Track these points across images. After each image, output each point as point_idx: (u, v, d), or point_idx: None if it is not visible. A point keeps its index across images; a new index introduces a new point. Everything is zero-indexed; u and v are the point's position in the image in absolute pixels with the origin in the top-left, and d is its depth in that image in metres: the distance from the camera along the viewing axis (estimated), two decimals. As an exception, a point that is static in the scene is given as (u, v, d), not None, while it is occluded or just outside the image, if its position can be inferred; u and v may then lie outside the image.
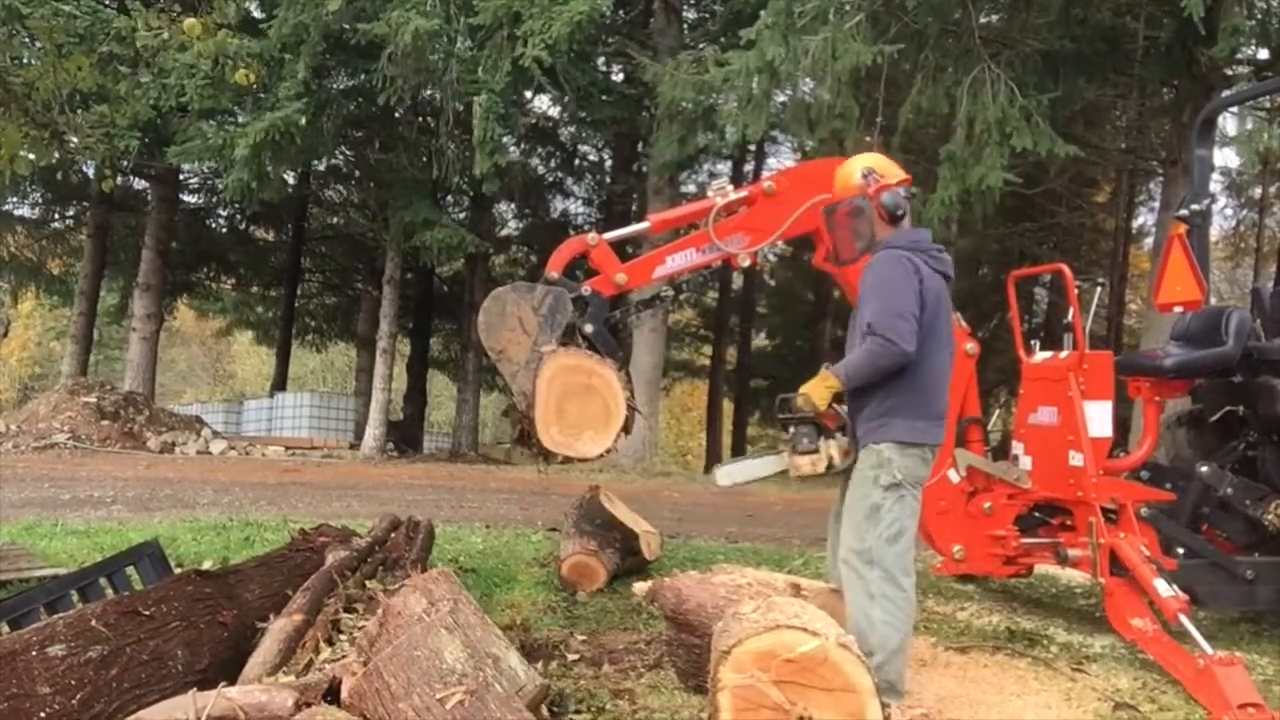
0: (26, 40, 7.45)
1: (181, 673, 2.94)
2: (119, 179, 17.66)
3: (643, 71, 13.31)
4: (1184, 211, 5.57)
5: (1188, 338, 5.41)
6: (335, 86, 15.00)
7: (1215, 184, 17.78)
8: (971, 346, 4.91)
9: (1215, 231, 20.75)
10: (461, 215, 19.24)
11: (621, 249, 4.60)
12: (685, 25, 17.02)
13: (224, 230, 22.56)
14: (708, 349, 25.54)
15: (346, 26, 13.16)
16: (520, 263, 23.79)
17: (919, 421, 3.65)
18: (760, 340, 27.00)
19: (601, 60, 16.27)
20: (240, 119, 14.49)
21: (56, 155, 6.91)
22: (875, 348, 3.57)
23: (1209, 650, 3.87)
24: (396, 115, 15.17)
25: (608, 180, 21.56)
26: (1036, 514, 5.15)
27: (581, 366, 4.10)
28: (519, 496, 10.38)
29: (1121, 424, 7.02)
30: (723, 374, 24.07)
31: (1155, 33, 11.79)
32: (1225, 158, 23.14)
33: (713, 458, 22.37)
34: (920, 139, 12.70)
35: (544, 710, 3.12)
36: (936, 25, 10.44)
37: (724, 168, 21.43)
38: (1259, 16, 10.57)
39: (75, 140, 6.46)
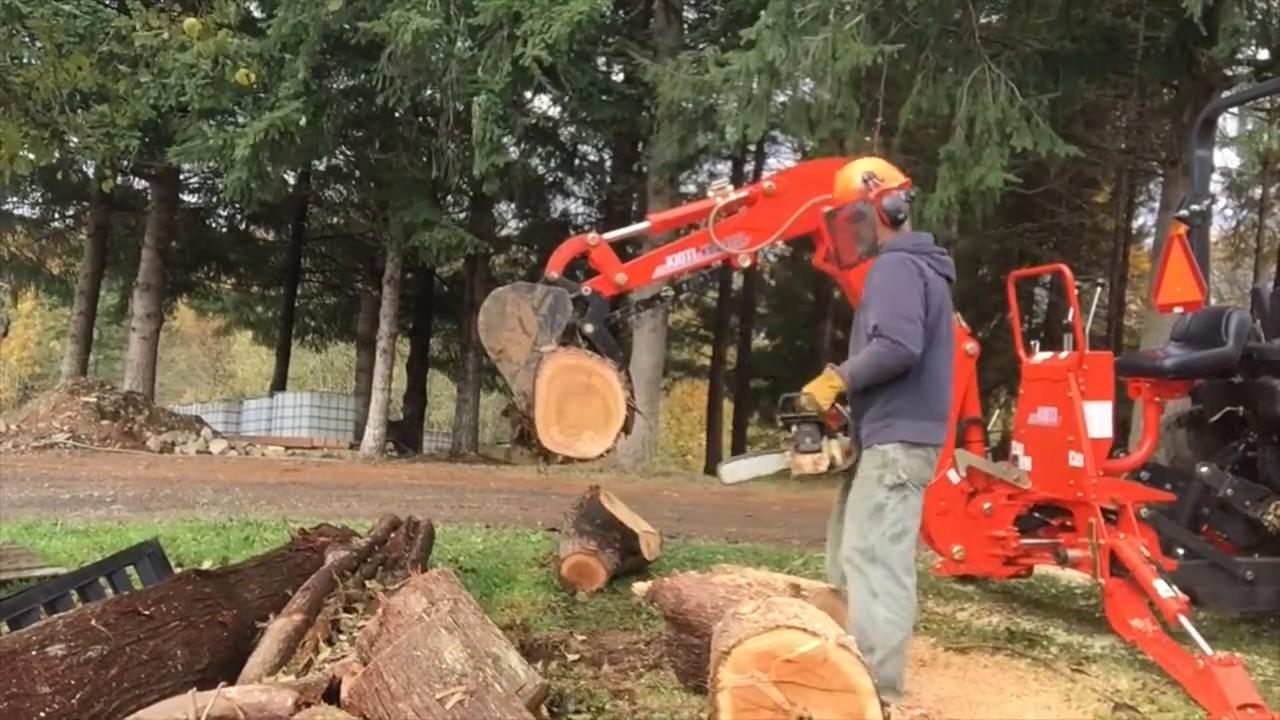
0: (26, 40, 7.44)
1: (181, 673, 2.94)
2: (119, 179, 17.65)
3: (643, 72, 13.31)
4: (1184, 212, 5.57)
5: (1188, 338, 5.41)
6: (335, 86, 15.00)
7: (1215, 184, 17.77)
8: (971, 346, 4.91)
9: (1215, 232, 20.76)
10: (461, 215, 19.24)
11: (621, 249, 4.60)
12: (685, 25, 17.01)
13: (224, 230, 22.56)
14: (708, 349, 25.54)
15: (346, 26, 13.16)
16: (520, 263, 23.78)
17: (923, 422, 3.67)
18: (760, 340, 27.00)
19: (601, 60, 16.27)
20: (240, 119, 14.49)
21: (56, 155, 6.90)
22: (881, 350, 3.60)
23: (1209, 651, 3.87)
24: (396, 115, 15.16)
25: (608, 180, 21.56)
26: (1036, 514, 5.15)
27: (581, 366, 4.10)
28: (519, 496, 10.38)
29: (1121, 424, 7.03)
30: (723, 374, 24.07)
31: (1155, 33, 11.79)
32: (1225, 158, 23.18)
33: (713, 458, 22.36)
34: (920, 139, 12.71)
35: (544, 710, 3.12)
36: (936, 25, 10.45)
37: (724, 168, 21.43)
38: (1259, 17, 10.57)
39: (75, 140, 6.45)
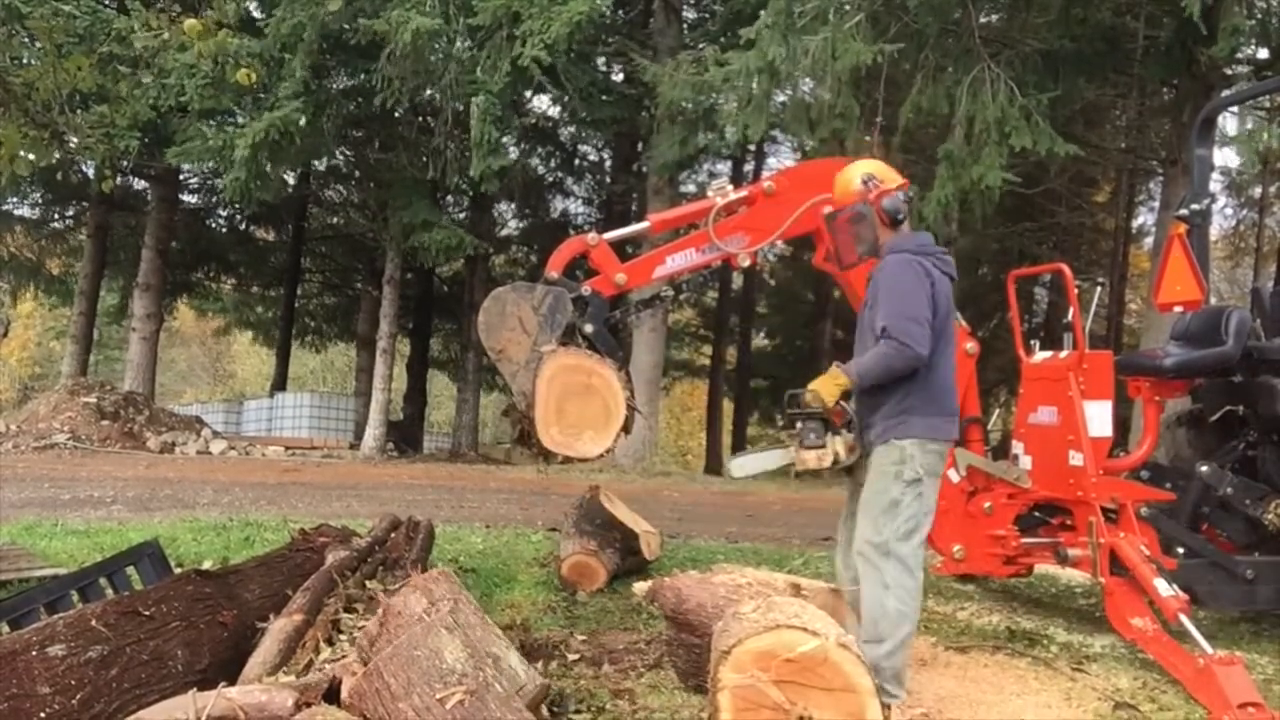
0: (26, 40, 7.44)
1: (181, 673, 2.94)
2: (119, 179, 17.67)
3: (643, 72, 13.31)
4: (1184, 211, 5.57)
5: (1188, 337, 5.41)
6: (334, 86, 15.00)
7: (1215, 184, 17.81)
8: (971, 346, 4.91)
9: (1215, 231, 20.76)
10: (461, 215, 19.24)
11: (621, 249, 4.60)
12: (685, 25, 17.02)
13: (224, 230, 22.56)
14: (708, 349, 25.54)
15: (346, 26, 13.16)
16: (520, 263, 23.78)
17: (934, 419, 3.73)
18: (760, 340, 27.00)
19: (601, 60, 16.26)
20: (240, 119, 14.48)
21: (56, 155, 6.91)
22: (889, 351, 3.64)
23: (1209, 650, 3.87)
24: (396, 115, 15.16)
25: (608, 180, 21.56)
26: (1036, 514, 5.15)
27: (581, 366, 4.10)
28: (519, 496, 10.38)
29: (1121, 424, 7.02)
30: (723, 374, 24.07)
31: (1155, 32, 11.79)
32: (1225, 157, 23.18)
33: (713, 458, 22.38)
34: (920, 139, 12.71)
35: (544, 710, 3.12)
36: (936, 25, 10.45)
37: (724, 168, 21.43)
38: (1259, 16, 10.56)
39: (75, 140, 6.46)
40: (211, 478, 10.87)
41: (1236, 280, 25.33)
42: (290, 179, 17.60)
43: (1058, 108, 11.25)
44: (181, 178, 19.78)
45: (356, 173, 19.14)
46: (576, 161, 21.98)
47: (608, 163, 21.72)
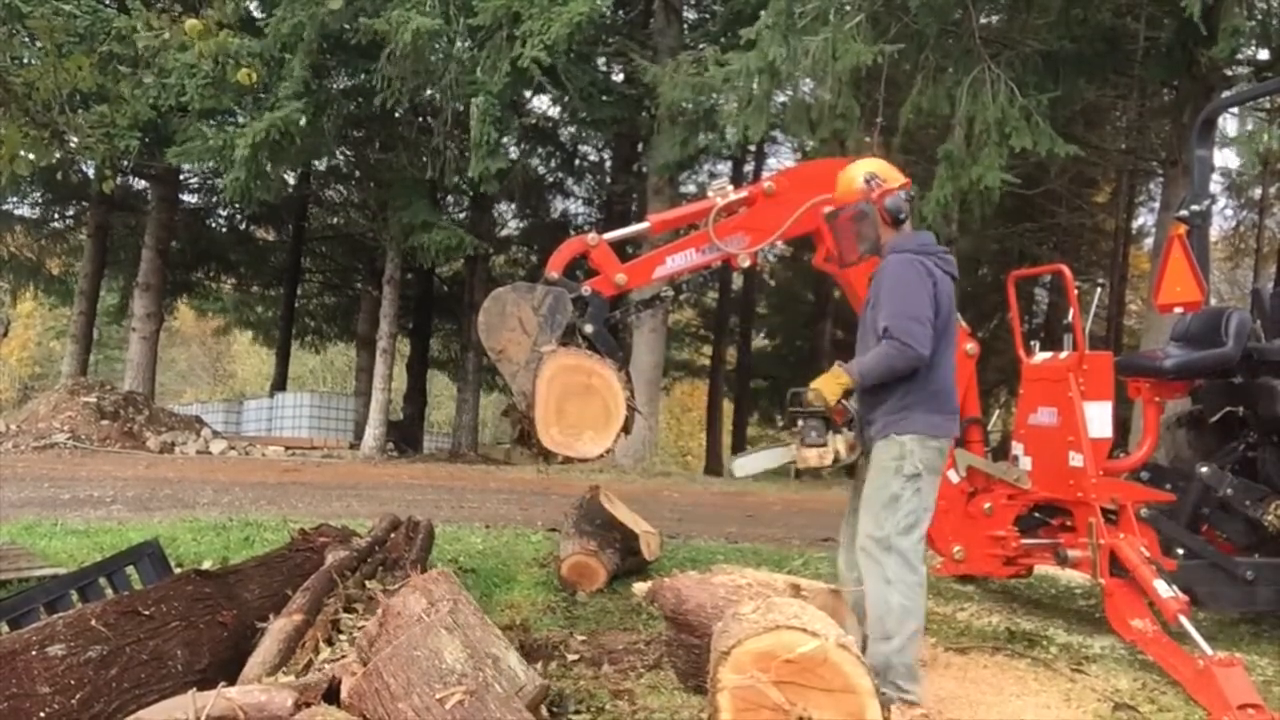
0: (26, 40, 7.44)
1: (181, 673, 2.94)
2: (119, 179, 17.66)
3: (643, 72, 13.32)
4: (1184, 212, 5.57)
5: (1188, 338, 5.41)
6: (334, 86, 15.01)
7: (1215, 184, 17.78)
8: (971, 346, 4.90)
9: (1215, 232, 20.76)
10: (461, 215, 19.25)
11: (621, 249, 4.60)
12: (685, 25, 17.02)
13: (224, 230, 22.57)
14: (708, 349, 25.54)
15: (346, 26, 13.16)
16: (520, 263, 23.78)
17: (934, 416, 3.75)
18: (760, 340, 26.99)
19: (601, 60, 16.27)
20: (240, 119, 14.49)
21: (56, 155, 6.90)
22: (891, 350, 3.66)
23: (1209, 651, 3.87)
24: (396, 115, 15.16)
25: (608, 180, 21.56)
26: (1036, 514, 5.15)
27: (581, 366, 4.10)
28: (519, 496, 10.38)
29: (1121, 424, 7.02)
30: (723, 374, 24.07)
31: (1155, 33, 11.79)
32: (1225, 158, 23.17)
33: (713, 458, 22.38)
34: (921, 139, 12.71)
35: (544, 710, 3.12)
36: (936, 25, 10.45)
37: (724, 168, 21.44)
38: (1259, 17, 10.57)
39: (75, 140, 6.45)
40: (211, 478, 10.86)
41: (1236, 281, 25.33)
42: (290, 179, 17.60)
43: (1058, 108, 11.26)
44: (181, 178, 19.78)
45: (356, 173, 19.15)
46: (576, 161, 21.98)
47: (608, 163, 21.72)
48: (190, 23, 5.48)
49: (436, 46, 12.92)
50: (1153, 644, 4.27)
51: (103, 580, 4.04)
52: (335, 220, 23.43)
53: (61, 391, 16.30)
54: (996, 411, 10.48)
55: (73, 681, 2.65)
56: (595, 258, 4.41)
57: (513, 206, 22.42)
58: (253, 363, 37.15)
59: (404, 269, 17.77)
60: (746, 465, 4.34)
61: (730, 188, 4.59)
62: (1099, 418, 4.85)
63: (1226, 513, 5.11)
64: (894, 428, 3.73)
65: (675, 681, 3.81)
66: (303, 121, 12.85)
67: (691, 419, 34.20)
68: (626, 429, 4.11)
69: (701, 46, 13.43)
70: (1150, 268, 16.69)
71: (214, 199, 20.83)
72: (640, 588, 4.02)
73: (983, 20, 11.29)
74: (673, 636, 3.77)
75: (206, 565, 5.30)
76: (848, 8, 10.01)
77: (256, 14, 14.36)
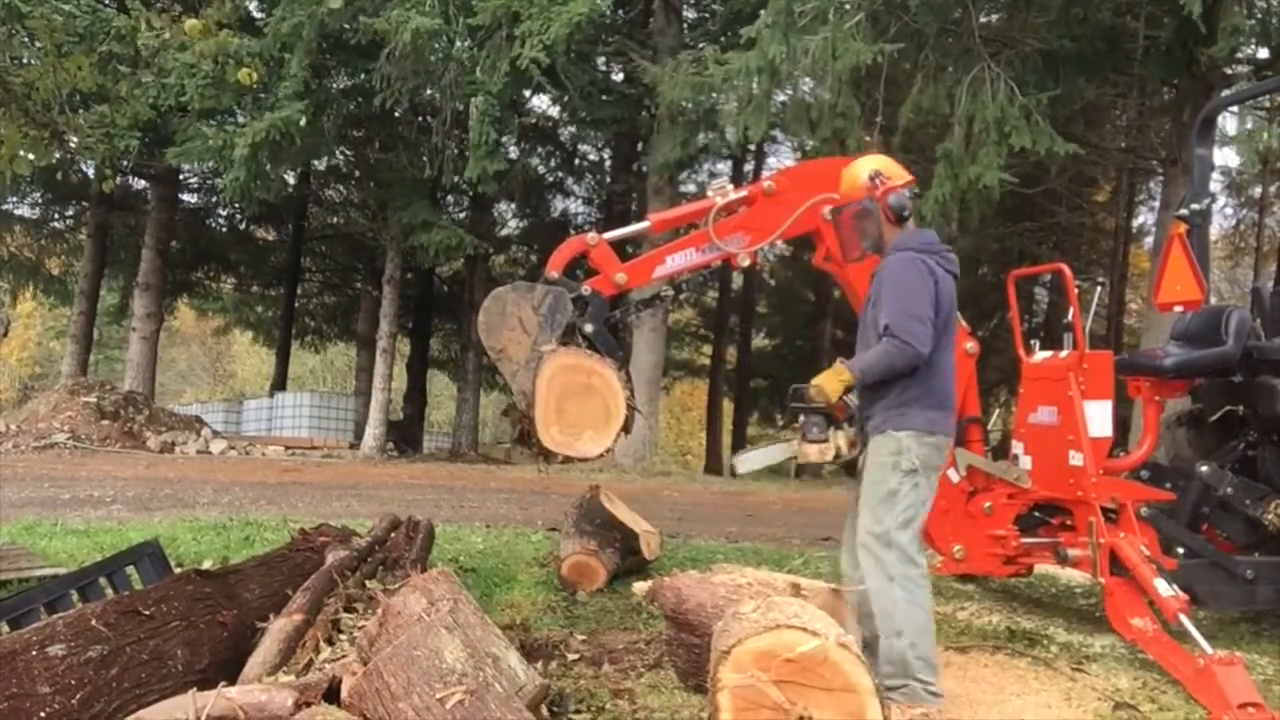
0: (26, 40, 7.44)
1: (181, 672, 2.94)
2: (119, 179, 17.66)
3: (643, 72, 13.31)
4: (1184, 211, 5.57)
5: (1188, 337, 5.41)
6: (334, 86, 15.01)
7: (1215, 183, 17.80)
8: (971, 346, 4.90)
9: (1215, 231, 20.75)
10: (461, 215, 19.24)
11: (621, 249, 4.59)
12: (685, 25, 17.02)
13: (224, 230, 22.57)
14: (708, 349, 25.54)
15: (346, 26, 13.16)
16: (520, 263, 23.78)
17: (933, 413, 3.77)
18: (760, 340, 26.99)
19: (601, 60, 16.26)
20: (240, 119, 14.49)
21: (56, 155, 6.91)
22: (892, 349, 3.68)
23: (1209, 650, 3.87)
24: (396, 115, 15.17)
25: (608, 180, 21.56)
26: (1036, 514, 5.14)
27: (581, 366, 4.10)
28: (519, 496, 10.38)
29: (1121, 424, 7.02)
30: (723, 374, 24.07)
31: (1155, 32, 11.79)
32: (1225, 157, 23.20)
33: (713, 457, 22.39)
34: (920, 138, 12.71)
35: (544, 710, 3.12)
36: (936, 25, 10.45)
37: (724, 167, 21.43)
38: (1259, 16, 10.56)
39: (75, 140, 6.45)
40: (211, 477, 10.86)
41: (1236, 280, 25.33)
42: (290, 179, 17.61)
43: (1058, 107, 11.25)
44: (181, 177, 19.79)
45: (356, 172, 19.16)
46: (576, 161, 21.99)
47: (608, 163, 21.72)
48: (190, 22, 5.49)
49: (436, 46, 12.92)
50: (1153, 643, 4.27)
51: (103, 580, 4.04)
52: (335, 220, 23.44)
53: (61, 391, 16.31)
54: (996, 410, 10.47)
55: (73, 681, 2.65)
56: (595, 257, 4.41)
57: (513, 206, 22.43)
58: (253, 362, 37.16)
59: (404, 269, 17.77)
60: (748, 462, 4.38)
61: (730, 187, 4.58)
62: (1099, 417, 4.85)
63: (1226, 511, 5.11)
64: (892, 424, 3.75)
65: (675, 681, 3.81)
66: (303, 121, 12.85)
67: (691, 418, 34.20)
68: (626, 428, 4.11)
69: (701, 46, 13.44)
70: (1150, 266, 16.69)
71: (214, 199, 20.84)
72: (640, 587, 4.01)
73: (982, 19, 11.29)
74: (673, 636, 3.77)
75: (206, 565, 5.30)
76: (847, 7, 10.01)
77: (256, 14, 14.37)
